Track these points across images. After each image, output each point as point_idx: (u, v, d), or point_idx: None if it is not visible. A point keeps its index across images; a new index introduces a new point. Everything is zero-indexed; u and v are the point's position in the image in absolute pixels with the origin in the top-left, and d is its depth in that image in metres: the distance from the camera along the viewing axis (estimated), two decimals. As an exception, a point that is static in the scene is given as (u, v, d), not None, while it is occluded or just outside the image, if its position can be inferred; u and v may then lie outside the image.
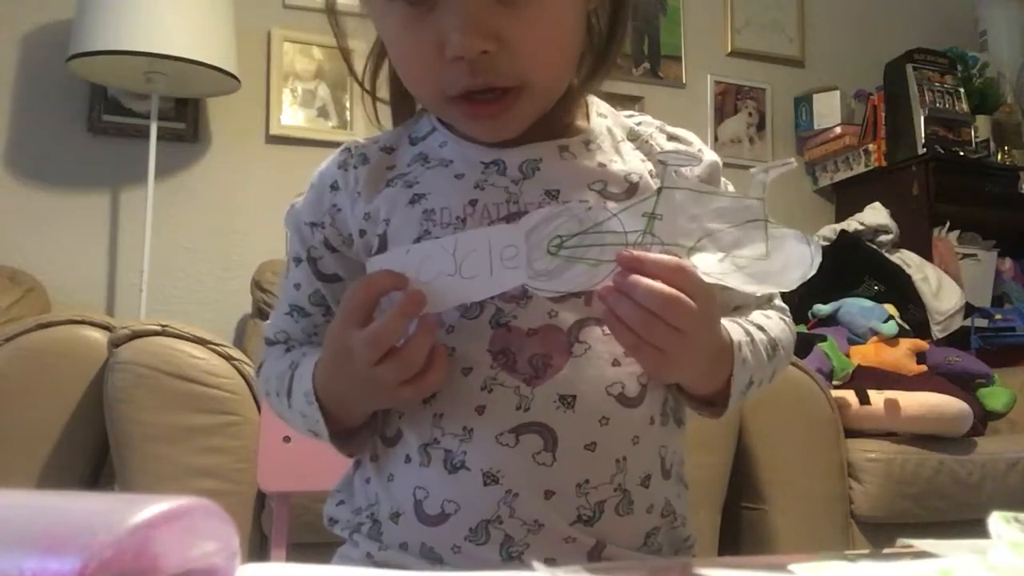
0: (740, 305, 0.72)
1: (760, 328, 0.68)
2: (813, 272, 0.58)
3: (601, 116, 0.72)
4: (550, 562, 0.57)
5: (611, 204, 0.60)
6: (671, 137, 0.73)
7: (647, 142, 0.71)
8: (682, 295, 0.56)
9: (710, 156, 0.73)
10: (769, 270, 0.57)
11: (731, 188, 0.73)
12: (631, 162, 0.69)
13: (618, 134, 0.71)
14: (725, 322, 0.65)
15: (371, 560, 0.65)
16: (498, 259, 0.58)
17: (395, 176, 0.68)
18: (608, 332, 0.62)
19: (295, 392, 0.67)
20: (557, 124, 0.68)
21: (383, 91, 0.73)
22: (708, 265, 0.57)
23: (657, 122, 0.75)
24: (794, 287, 0.58)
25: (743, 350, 0.64)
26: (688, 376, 0.65)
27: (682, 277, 0.56)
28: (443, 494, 0.62)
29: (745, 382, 0.65)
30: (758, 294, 0.68)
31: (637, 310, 0.56)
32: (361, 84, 0.72)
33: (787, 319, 0.74)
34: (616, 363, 0.63)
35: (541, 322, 0.62)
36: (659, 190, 0.58)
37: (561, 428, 0.61)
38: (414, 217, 0.65)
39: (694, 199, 0.58)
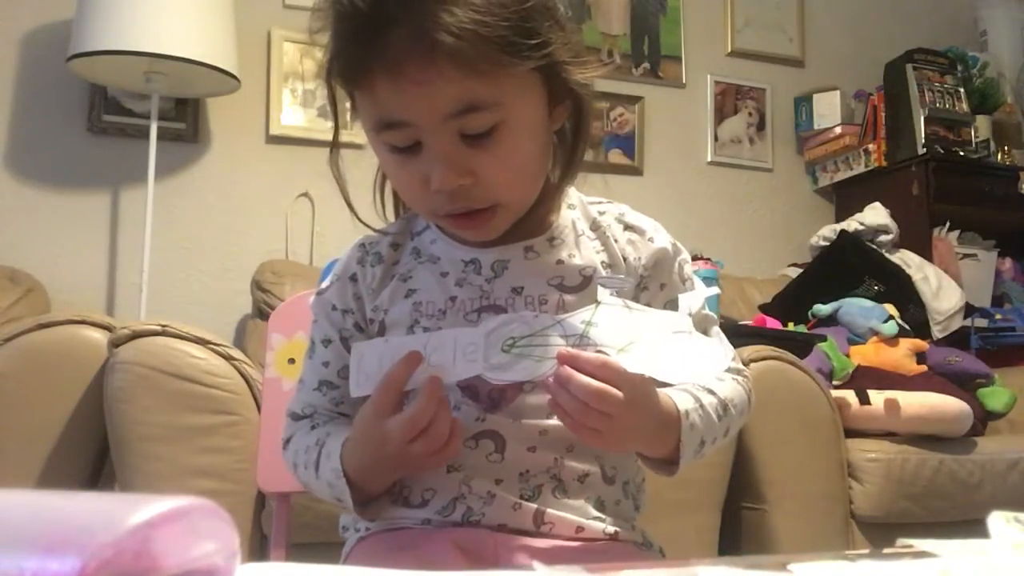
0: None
1: (710, 391, 0.78)
2: (726, 366, 0.72)
3: (571, 208, 0.84)
4: (503, 527, 0.73)
5: (564, 302, 0.75)
6: (627, 227, 0.83)
7: (605, 233, 0.83)
8: (607, 387, 0.67)
9: (661, 243, 0.83)
10: (686, 366, 0.69)
11: (687, 266, 0.84)
12: (587, 255, 0.81)
13: (580, 226, 0.83)
14: (673, 392, 0.75)
15: (368, 530, 0.79)
16: (460, 354, 0.71)
17: (396, 272, 0.82)
18: None
19: (322, 467, 0.77)
20: (531, 221, 0.80)
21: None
22: (635, 363, 0.68)
23: (619, 211, 0.85)
24: (709, 379, 0.72)
25: (690, 417, 0.74)
26: (628, 448, 0.77)
27: (607, 372, 0.67)
28: (422, 485, 0.76)
29: (696, 444, 0.75)
30: (675, 384, 0.77)
31: (572, 400, 0.67)
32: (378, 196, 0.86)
33: (740, 379, 0.83)
34: None
35: None
36: (597, 304, 0.71)
37: (508, 435, 0.75)
38: (406, 308, 0.79)
39: (624, 314, 0.71)
